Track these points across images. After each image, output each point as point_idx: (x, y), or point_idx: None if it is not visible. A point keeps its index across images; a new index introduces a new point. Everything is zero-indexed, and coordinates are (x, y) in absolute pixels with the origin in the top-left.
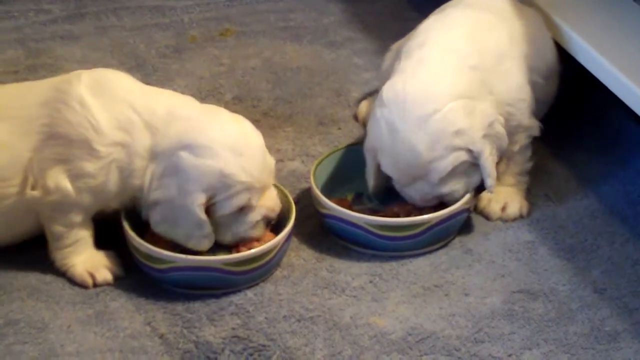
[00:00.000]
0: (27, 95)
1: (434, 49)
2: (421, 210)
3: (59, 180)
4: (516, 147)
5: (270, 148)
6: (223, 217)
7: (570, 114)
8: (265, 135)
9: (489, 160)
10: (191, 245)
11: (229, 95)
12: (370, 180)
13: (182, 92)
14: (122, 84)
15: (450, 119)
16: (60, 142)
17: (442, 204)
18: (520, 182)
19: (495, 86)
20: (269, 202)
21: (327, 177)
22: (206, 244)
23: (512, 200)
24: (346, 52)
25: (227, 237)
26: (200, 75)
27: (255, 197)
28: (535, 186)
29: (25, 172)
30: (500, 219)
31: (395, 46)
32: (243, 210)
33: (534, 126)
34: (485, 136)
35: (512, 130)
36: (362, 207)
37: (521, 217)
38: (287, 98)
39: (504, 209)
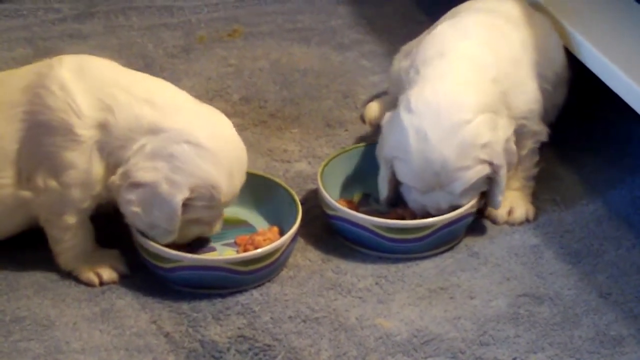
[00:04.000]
0: (11, 80)
1: (455, 58)
2: (426, 214)
3: (46, 178)
4: (524, 152)
5: (277, 149)
6: (183, 220)
7: (578, 119)
8: (272, 136)
9: (505, 176)
10: (151, 235)
11: (236, 96)
12: (384, 191)
13: (190, 93)
14: (107, 67)
15: (480, 131)
16: (42, 130)
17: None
18: (526, 187)
19: (512, 99)
20: (218, 223)
21: (333, 178)
22: (167, 239)
23: (518, 205)
24: (354, 55)
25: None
26: (208, 76)
27: (211, 217)
28: (542, 190)
29: (17, 166)
30: (507, 223)
31: (405, 48)
32: (198, 220)
33: (543, 131)
34: (503, 151)
35: (522, 136)
36: (368, 209)
37: (527, 221)
38: (294, 99)
39: (510, 213)
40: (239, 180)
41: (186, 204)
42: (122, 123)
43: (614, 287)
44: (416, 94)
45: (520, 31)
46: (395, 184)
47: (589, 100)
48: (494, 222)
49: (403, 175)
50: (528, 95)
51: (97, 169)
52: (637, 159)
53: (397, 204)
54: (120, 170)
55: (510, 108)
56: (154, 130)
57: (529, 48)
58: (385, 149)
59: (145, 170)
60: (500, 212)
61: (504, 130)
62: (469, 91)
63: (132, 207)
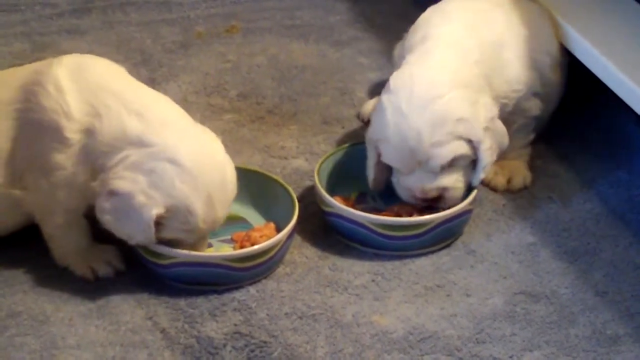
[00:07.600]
0: (11, 78)
1: (437, 42)
2: (423, 211)
3: (37, 177)
4: (515, 126)
5: (274, 146)
6: (162, 240)
7: (575, 116)
8: (269, 132)
9: (487, 152)
10: (133, 243)
11: (233, 92)
12: (370, 174)
13: (187, 88)
14: (106, 70)
15: (453, 106)
16: (34, 129)
17: (437, 200)
18: (523, 155)
19: (495, 79)
20: (202, 246)
21: (330, 175)
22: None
23: (516, 173)
24: (351, 52)
25: None
26: (206, 72)
27: (192, 240)
28: (539, 188)
29: (10, 165)
30: (507, 190)
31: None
32: (179, 242)
33: (533, 107)
34: (486, 129)
35: (511, 113)
36: (365, 206)
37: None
38: (292, 96)
39: (509, 181)
40: (221, 208)
41: (161, 223)
42: (108, 130)
43: (611, 286)
44: (395, 76)
45: (507, 15)
46: (383, 168)
47: (587, 99)
48: (495, 190)
49: (386, 156)
50: (509, 76)
51: (84, 172)
52: (634, 157)
53: (392, 197)
54: (100, 176)
55: (492, 88)
56: (138, 143)
57: (516, 28)
58: (370, 131)
59: (122, 180)
60: (500, 181)
61: (486, 109)
62: (445, 70)
63: (106, 215)
